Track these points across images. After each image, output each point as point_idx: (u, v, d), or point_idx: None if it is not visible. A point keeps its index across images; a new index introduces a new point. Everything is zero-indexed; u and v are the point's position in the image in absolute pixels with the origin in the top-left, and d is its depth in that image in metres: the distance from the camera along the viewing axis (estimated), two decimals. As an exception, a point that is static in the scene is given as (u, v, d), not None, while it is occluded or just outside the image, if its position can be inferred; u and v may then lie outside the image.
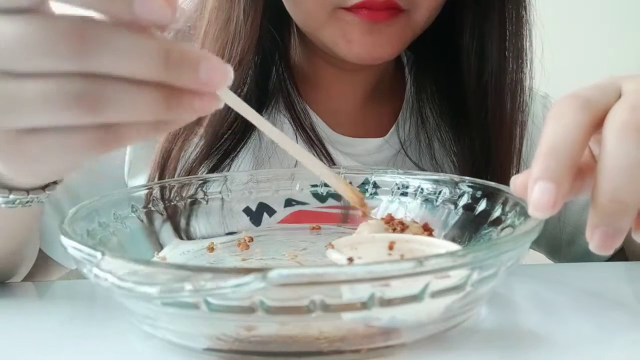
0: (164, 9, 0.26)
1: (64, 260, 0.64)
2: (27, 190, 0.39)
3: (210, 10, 0.58)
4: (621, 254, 0.62)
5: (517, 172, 0.63)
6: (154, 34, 0.27)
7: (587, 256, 0.33)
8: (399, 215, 0.50)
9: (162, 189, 0.49)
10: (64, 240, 0.33)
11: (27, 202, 0.40)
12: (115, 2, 0.25)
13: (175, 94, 0.27)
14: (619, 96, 0.33)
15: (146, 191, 0.48)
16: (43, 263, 0.62)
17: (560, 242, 0.69)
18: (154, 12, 0.26)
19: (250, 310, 0.29)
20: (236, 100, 0.31)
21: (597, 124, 0.32)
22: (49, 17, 0.25)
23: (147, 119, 0.27)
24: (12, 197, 0.38)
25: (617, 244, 0.32)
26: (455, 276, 0.31)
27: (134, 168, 0.65)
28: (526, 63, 0.62)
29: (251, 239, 0.51)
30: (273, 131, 0.34)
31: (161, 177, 0.58)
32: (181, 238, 0.50)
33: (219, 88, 0.28)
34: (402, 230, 0.43)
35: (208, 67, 0.27)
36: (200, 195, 0.51)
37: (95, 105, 0.26)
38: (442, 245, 0.40)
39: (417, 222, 0.47)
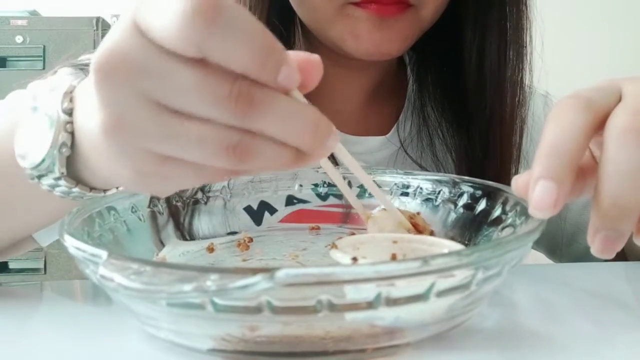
0: (298, 77, 0.28)
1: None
2: (90, 188, 0.39)
3: None
4: (621, 254, 0.62)
5: (517, 167, 0.63)
6: (296, 96, 0.29)
7: (587, 255, 0.34)
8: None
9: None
10: (68, 240, 0.33)
11: (81, 197, 0.40)
12: (267, 70, 0.27)
13: (301, 153, 0.29)
14: (619, 98, 0.34)
15: (146, 191, 0.48)
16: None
17: (561, 241, 0.70)
18: (292, 81, 0.28)
19: (256, 310, 0.29)
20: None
21: (598, 125, 0.33)
22: (223, 73, 0.27)
23: (275, 170, 0.30)
24: (75, 189, 0.38)
25: (619, 248, 0.32)
26: (460, 275, 0.31)
27: None
28: (526, 58, 0.63)
29: (251, 240, 0.51)
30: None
31: None
32: (184, 237, 0.50)
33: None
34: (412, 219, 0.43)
35: (335, 140, 0.30)
36: (201, 194, 0.51)
37: (243, 156, 0.28)
38: (444, 244, 0.40)
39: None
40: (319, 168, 0.55)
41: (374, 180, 0.40)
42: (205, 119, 0.28)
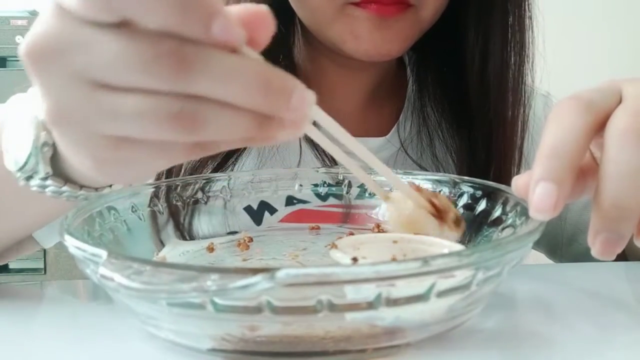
0: (240, 32, 0.26)
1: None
2: (80, 186, 0.39)
3: None
4: (621, 254, 0.62)
5: (518, 168, 0.63)
6: (247, 53, 0.27)
7: (587, 255, 0.34)
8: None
9: (166, 188, 0.49)
10: (68, 239, 0.33)
11: (74, 197, 0.40)
12: (191, 22, 0.25)
13: (267, 119, 0.27)
14: (620, 100, 0.34)
15: (147, 190, 0.48)
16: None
17: (561, 241, 0.70)
18: (231, 34, 0.26)
19: (256, 310, 0.29)
20: (324, 121, 0.32)
21: (599, 127, 0.33)
22: (149, 36, 0.25)
23: (239, 138, 0.28)
24: (64, 188, 0.38)
25: (619, 249, 0.32)
26: (460, 276, 0.31)
27: None
28: (528, 58, 0.63)
29: (251, 239, 0.51)
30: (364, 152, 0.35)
31: (168, 174, 0.58)
32: (184, 237, 0.50)
33: (308, 116, 0.28)
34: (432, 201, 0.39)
35: (301, 98, 0.27)
36: (201, 194, 0.51)
37: (191, 125, 0.26)
38: (444, 245, 0.40)
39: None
40: (318, 168, 0.55)
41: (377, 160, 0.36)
42: (142, 90, 0.26)
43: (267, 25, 0.27)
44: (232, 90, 0.26)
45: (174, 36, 0.25)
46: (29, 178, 0.37)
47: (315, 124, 0.31)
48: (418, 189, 0.39)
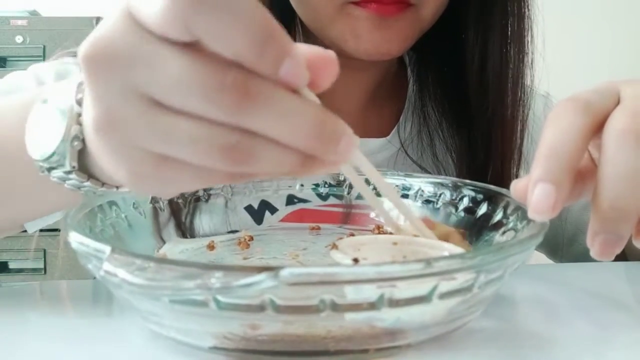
0: (306, 74, 0.26)
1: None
2: (102, 183, 0.38)
3: None
4: (621, 254, 0.62)
5: (518, 168, 0.63)
6: (305, 94, 0.27)
7: (587, 255, 0.34)
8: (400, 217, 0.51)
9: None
10: (72, 235, 0.33)
11: (93, 192, 0.39)
12: (266, 58, 0.25)
13: (310, 159, 0.27)
14: (618, 101, 0.34)
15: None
16: None
17: (561, 242, 0.70)
18: (297, 76, 0.25)
19: (259, 308, 0.29)
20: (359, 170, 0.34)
21: (597, 128, 0.33)
22: (216, 61, 0.25)
23: (280, 175, 0.28)
24: (86, 184, 0.37)
25: (618, 250, 0.32)
26: (462, 278, 0.31)
27: None
28: (527, 58, 0.63)
29: (251, 238, 0.50)
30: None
31: None
32: (184, 235, 0.50)
33: (348, 161, 0.29)
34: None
35: (348, 141, 0.27)
36: (203, 192, 0.51)
37: (242, 159, 0.26)
38: (444, 247, 0.40)
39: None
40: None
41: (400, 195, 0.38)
42: (199, 116, 0.26)
43: (331, 70, 0.27)
44: (288, 130, 0.26)
45: (241, 67, 0.25)
46: (51, 169, 0.36)
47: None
48: (432, 225, 0.41)
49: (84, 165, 0.36)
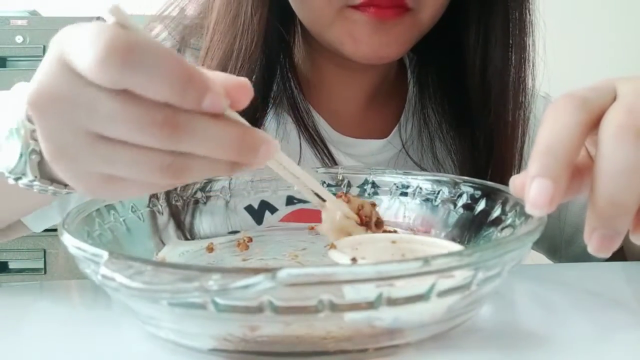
0: (224, 102, 0.30)
1: (31, 223, 0.63)
2: (65, 185, 0.41)
3: (219, 7, 0.58)
4: (621, 254, 0.62)
5: (519, 170, 0.63)
6: (228, 114, 0.31)
7: (586, 256, 0.34)
8: (399, 215, 0.51)
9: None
10: (68, 239, 0.33)
11: (60, 193, 0.41)
12: (188, 98, 0.29)
13: (236, 164, 0.32)
14: (615, 97, 0.34)
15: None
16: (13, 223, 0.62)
17: (560, 242, 0.70)
18: (218, 105, 0.30)
19: (258, 310, 0.29)
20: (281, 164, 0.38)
21: (593, 124, 0.33)
22: (147, 102, 0.29)
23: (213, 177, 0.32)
24: (50, 188, 0.40)
25: (616, 246, 0.32)
26: (460, 276, 0.31)
27: None
28: (528, 61, 0.63)
29: (250, 239, 0.51)
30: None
31: None
32: (185, 237, 0.50)
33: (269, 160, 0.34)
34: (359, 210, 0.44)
35: (266, 151, 0.31)
36: (201, 194, 0.51)
37: (178, 174, 0.31)
38: (443, 245, 0.40)
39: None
40: (318, 168, 0.55)
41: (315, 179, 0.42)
42: (138, 145, 0.30)
43: (246, 93, 0.32)
44: (213, 149, 0.30)
45: (167, 104, 0.29)
46: (17, 179, 0.40)
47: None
48: (348, 199, 0.44)
49: (45, 172, 0.39)
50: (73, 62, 0.29)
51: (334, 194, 0.44)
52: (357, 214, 0.44)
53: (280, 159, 0.38)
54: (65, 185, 0.40)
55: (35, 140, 0.37)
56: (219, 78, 0.31)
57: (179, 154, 0.30)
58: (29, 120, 0.37)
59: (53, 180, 0.40)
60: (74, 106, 0.30)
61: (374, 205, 0.45)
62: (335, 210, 0.43)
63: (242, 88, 0.32)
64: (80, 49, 0.29)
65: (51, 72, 0.30)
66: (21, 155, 0.38)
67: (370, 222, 0.44)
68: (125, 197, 0.36)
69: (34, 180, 0.39)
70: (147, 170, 0.31)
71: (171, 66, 0.28)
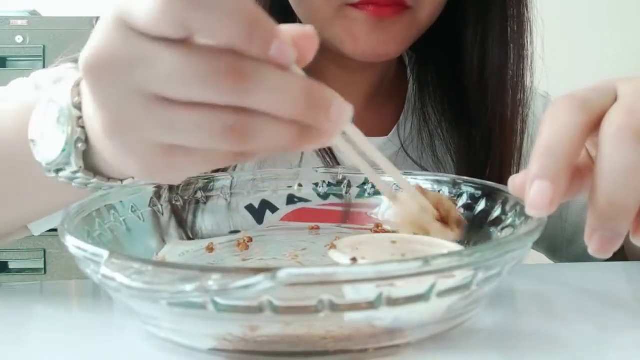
0: (292, 51, 0.28)
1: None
2: (108, 178, 0.40)
3: None
4: (621, 254, 0.62)
5: (518, 168, 0.63)
6: (293, 70, 0.29)
7: (587, 256, 0.34)
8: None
9: (168, 187, 0.49)
10: (68, 239, 0.33)
11: (99, 188, 0.40)
12: (255, 43, 0.27)
13: (306, 130, 0.29)
14: (615, 98, 0.34)
15: (147, 190, 0.48)
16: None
17: (561, 242, 0.70)
18: (285, 55, 0.27)
19: (258, 310, 0.29)
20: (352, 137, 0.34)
21: (594, 125, 0.33)
22: (209, 51, 0.27)
23: (281, 149, 0.30)
24: (93, 180, 0.39)
25: (616, 247, 0.32)
26: (460, 276, 0.31)
27: None
28: (527, 59, 0.63)
29: (250, 239, 0.50)
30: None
31: None
32: (187, 236, 0.50)
33: (343, 127, 0.31)
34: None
35: (338, 108, 0.29)
36: (202, 194, 0.51)
37: (242, 137, 0.28)
38: (443, 245, 0.40)
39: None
40: (318, 168, 0.55)
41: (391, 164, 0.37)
42: (200, 103, 0.28)
43: (313, 44, 0.29)
44: (282, 103, 0.28)
45: (232, 52, 0.27)
46: (58, 170, 0.38)
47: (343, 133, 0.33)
48: (423, 192, 0.40)
49: (89, 163, 0.38)
50: (130, 17, 0.27)
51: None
52: (436, 208, 0.39)
53: (352, 133, 0.34)
54: (109, 178, 0.39)
55: (82, 127, 0.36)
56: (284, 27, 0.28)
57: (242, 113, 0.28)
58: (75, 106, 0.35)
59: (96, 172, 0.39)
60: (132, 65, 0.27)
61: (454, 200, 0.42)
62: (410, 201, 0.39)
63: (309, 39, 0.29)
64: (138, 1, 0.27)
65: (107, 33, 0.28)
66: (66, 144, 0.36)
67: (449, 219, 0.40)
68: (185, 174, 0.32)
69: (77, 172, 0.37)
70: (210, 133, 0.28)
71: (236, 6, 0.26)
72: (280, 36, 0.27)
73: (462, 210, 0.47)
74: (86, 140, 0.37)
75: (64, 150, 0.37)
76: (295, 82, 0.28)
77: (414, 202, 0.39)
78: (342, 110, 0.29)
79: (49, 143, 0.37)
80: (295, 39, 0.28)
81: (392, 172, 0.37)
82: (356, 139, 0.34)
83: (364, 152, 0.36)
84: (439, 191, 0.49)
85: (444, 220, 0.39)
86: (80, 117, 0.36)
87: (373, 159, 0.36)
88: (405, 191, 0.39)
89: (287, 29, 0.28)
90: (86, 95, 0.35)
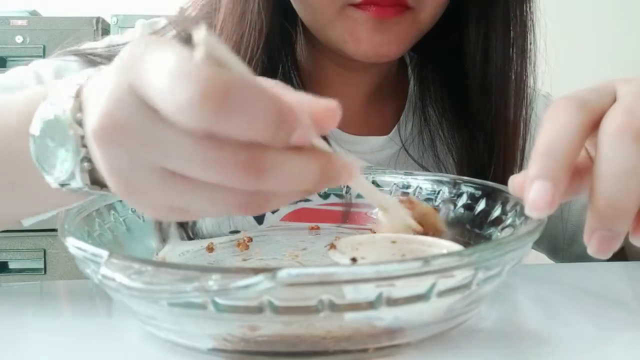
0: (312, 134, 0.28)
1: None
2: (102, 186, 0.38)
3: (226, 5, 0.59)
4: (622, 254, 0.62)
5: (520, 169, 0.63)
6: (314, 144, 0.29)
7: (587, 256, 0.34)
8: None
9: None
10: (68, 239, 0.33)
11: (106, 195, 0.38)
12: (280, 137, 0.26)
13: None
14: (615, 99, 0.34)
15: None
16: None
17: (561, 242, 0.70)
18: (306, 139, 0.27)
19: (258, 310, 0.29)
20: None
21: (593, 126, 0.33)
22: (228, 144, 0.26)
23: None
24: (100, 192, 0.37)
25: (615, 247, 0.32)
26: (460, 275, 0.31)
27: None
28: (530, 60, 0.63)
29: (250, 239, 0.51)
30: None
31: None
32: (187, 236, 0.50)
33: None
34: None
35: (347, 178, 0.30)
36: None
37: (256, 210, 0.29)
38: (443, 245, 0.40)
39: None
40: None
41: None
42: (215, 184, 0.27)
43: (334, 118, 0.29)
44: (296, 186, 0.28)
45: (252, 144, 0.26)
46: (64, 185, 0.36)
47: None
48: (412, 205, 0.41)
49: (94, 177, 0.36)
50: (149, 96, 0.26)
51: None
52: (420, 222, 0.41)
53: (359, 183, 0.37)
54: (102, 187, 0.37)
55: (86, 147, 0.34)
56: (305, 103, 0.28)
57: (259, 192, 0.28)
58: (77, 122, 0.33)
59: (103, 185, 0.36)
60: (146, 142, 0.27)
61: (436, 210, 0.43)
62: (396, 218, 0.40)
63: (331, 113, 0.29)
64: (160, 84, 0.25)
65: (121, 102, 0.27)
66: (72, 164, 0.34)
67: (430, 232, 0.42)
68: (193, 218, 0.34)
69: (82, 188, 0.36)
70: (224, 208, 0.28)
71: (267, 107, 0.26)
72: (302, 122, 0.27)
73: (462, 211, 0.47)
74: (90, 160, 0.35)
75: (68, 172, 0.35)
76: (310, 165, 0.28)
77: (396, 218, 0.40)
78: (350, 176, 0.30)
79: (54, 164, 0.35)
80: (315, 115, 0.28)
81: (373, 193, 0.39)
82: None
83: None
84: (437, 193, 0.49)
85: (425, 233, 0.41)
86: (83, 137, 0.34)
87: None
88: (390, 207, 0.40)
89: (310, 103, 0.28)
90: (94, 154, 0.32)
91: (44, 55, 1.69)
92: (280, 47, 0.64)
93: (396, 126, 0.69)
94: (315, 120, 0.28)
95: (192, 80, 0.24)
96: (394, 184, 0.52)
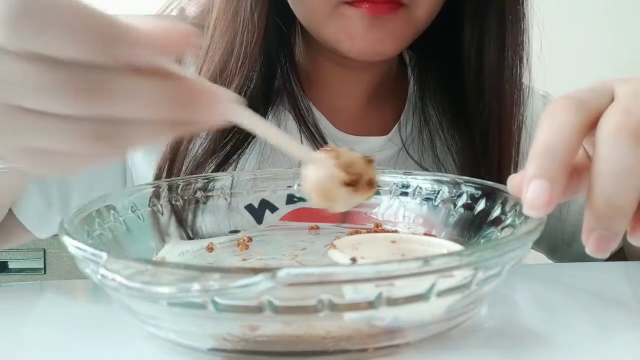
0: (145, 52, 0.26)
1: (35, 229, 0.63)
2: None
3: (219, 5, 0.59)
4: (621, 254, 0.62)
5: (517, 168, 0.63)
6: (172, 69, 0.27)
7: (587, 256, 0.34)
8: (399, 215, 0.51)
9: (167, 187, 0.49)
10: (68, 240, 0.33)
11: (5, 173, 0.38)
12: (104, 56, 0.25)
13: (181, 122, 0.28)
14: (612, 98, 0.34)
15: (147, 190, 0.48)
16: (12, 227, 0.61)
17: (561, 242, 0.70)
18: (145, 58, 0.26)
19: (258, 310, 0.29)
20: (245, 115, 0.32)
21: (591, 125, 0.33)
22: (54, 64, 0.25)
23: (156, 142, 0.28)
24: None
25: (613, 247, 0.32)
26: (460, 275, 0.31)
27: (138, 166, 0.65)
28: (525, 59, 0.63)
29: (250, 239, 0.50)
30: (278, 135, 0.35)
31: (170, 170, 0.59)
32: (187, 236, 0.50)
33: (227, 118, 0.29)
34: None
35: (209, 102, 0.28)
36: (202, 194, 0.51)
37: (112, 141, 0.27)
38: (443, 245, 0.40)
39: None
40: None
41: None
42: (59, 114, 0.26)
43: (188, 40, 0.27)
44: (143, 110, 0.27)
45: (83, 65, 0.25)
46: None
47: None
48: (337, 154, 0.38)
49: None
50: None
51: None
52: (347, 172, 0.37)
53: (245, 118, 0.32)
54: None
55: None
56: (157, 28, 0.27)
57: (106, 121, 0.27)
58: None
59: None
60: None
61: (370, 161, 0.39)
62: (318, 169, 0.37)
63: (184, 35, 0.27)
64: None
65: None
66: None
67: (360, 181, 0.38)
68: (69, 171, 0.31)
69: None
70: (77, 140, 0.27)
71: (82, 21, 0.25)
72: (138, 42, 0.26)
73: (462, 211, 0.47)
74: None
75: None
76: (158, 89, 0.27)
77: (321, 169, 0.37)
78: (214, 100, 0.28)
79: None
80: (169, 38, 0.27)
81: (293, 145, 0.36)
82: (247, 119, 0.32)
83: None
84: (437, 193, 0.49)
85: (354, 184, 0.38)
86: None
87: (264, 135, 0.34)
88: (311, 161, 0.37)
89: (161, 28, 0.27)
90: None
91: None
92: (278, 48, 0.64)
93: (396, 126, 0.69)
94: (169, 45, 0.27)
95: None
96: (394, 184, 0.52)
